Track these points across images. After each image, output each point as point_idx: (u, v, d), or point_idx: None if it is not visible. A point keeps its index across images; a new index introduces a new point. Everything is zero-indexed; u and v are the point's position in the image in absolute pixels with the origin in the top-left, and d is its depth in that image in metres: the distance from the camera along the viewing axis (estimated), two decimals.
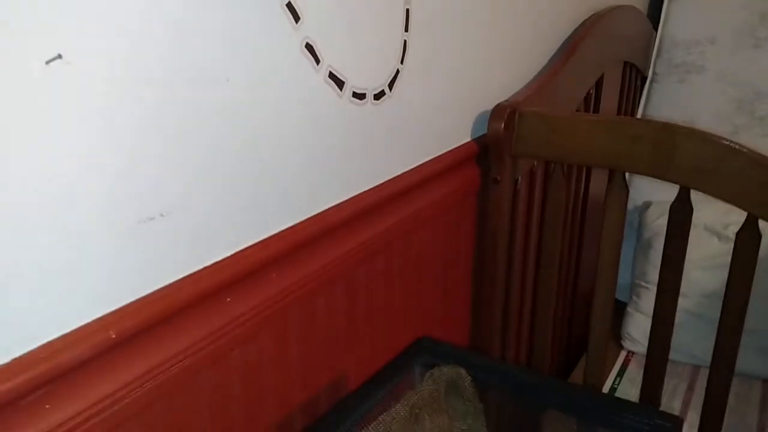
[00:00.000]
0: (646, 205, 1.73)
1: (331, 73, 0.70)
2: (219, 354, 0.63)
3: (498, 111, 1.00)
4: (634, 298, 1.68)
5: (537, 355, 1.23)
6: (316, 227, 0.72)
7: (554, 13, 1.27)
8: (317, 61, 0.67)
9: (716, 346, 1.00)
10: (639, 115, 1.81)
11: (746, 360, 1.17)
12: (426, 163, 0.92)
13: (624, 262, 1.16)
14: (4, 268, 0.45)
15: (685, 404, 1.49)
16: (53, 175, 0.46)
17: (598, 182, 1.54)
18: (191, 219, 0.58)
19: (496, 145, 1.01)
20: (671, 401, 1.49)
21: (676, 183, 0.94)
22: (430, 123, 0.91)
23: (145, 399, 0.56)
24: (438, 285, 1.02)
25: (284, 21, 0.62)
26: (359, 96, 0.75)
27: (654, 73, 1.80)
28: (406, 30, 0.80)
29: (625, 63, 1.62)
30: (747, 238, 0.92)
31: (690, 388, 1.53)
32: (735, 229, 0.93)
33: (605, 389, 1.51)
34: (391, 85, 0.80)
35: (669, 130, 0.92)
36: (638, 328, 1.63)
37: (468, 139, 1.03)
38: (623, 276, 1.55)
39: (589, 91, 1.34)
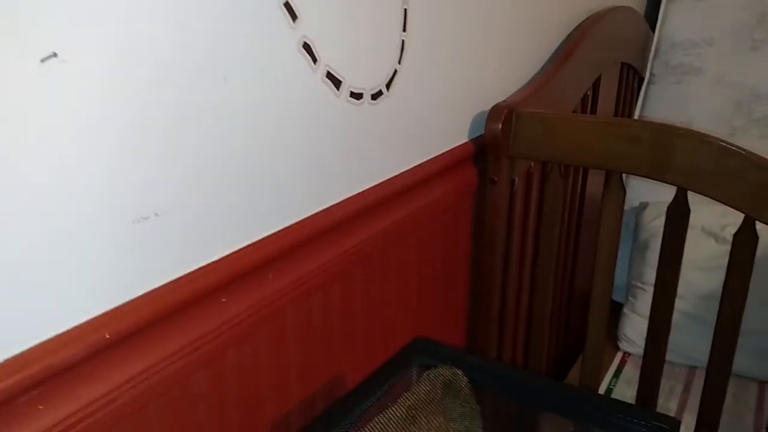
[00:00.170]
0: (643, 206, 1.73)
1: (328, 72, 0.69)
2: (214, 354, 0.62)
3: (495, 111, 1.00)
4: (631, 299, 1.68)
5: (533, 356, 1.23)
6: (312, 227, 0.72)
7: (552, 14, 1.28)
8: (315, 60, 0.67)
9: (713, 348, 1.00)
10: (636, 117, 1.81)
11: (743, 361, 1.17)
12: (423, 163, 0.92)
13: (621, 263, 1.16)
14: None
15: (682, 405, 1.49)
16: (47, 174, 0.46)
17: (595, 183, 1.54)
18: (186, 219, 0.58)
19: (494, 146, 1.01)
20: (667, 402, 1.49)
21: (673, 184, 0.94)
22: (428, 123, 0.91)
23: (139, 400, 0.55)
24: (435, 286, 1.02)
25: (282, 20, 0.62)
26: (356, 96, 0.75)
27: (651, 74, 1.80)
28: (404, 30, 0.80)
29: (623, 64, 1.62)
30: (744, 239, 0.92)
31: (686, 390, 1.54)
32: (732, 230, 0.93)
33: (601, 390, 1.51)
34: (388, 85, 0.80)
35: (666, 131, 0.92)
36: (635, 329, 1.63)
37: (465, 139, 1.03)
38: (620, 277, 1.56)
39: (587, 92, 1.34)
